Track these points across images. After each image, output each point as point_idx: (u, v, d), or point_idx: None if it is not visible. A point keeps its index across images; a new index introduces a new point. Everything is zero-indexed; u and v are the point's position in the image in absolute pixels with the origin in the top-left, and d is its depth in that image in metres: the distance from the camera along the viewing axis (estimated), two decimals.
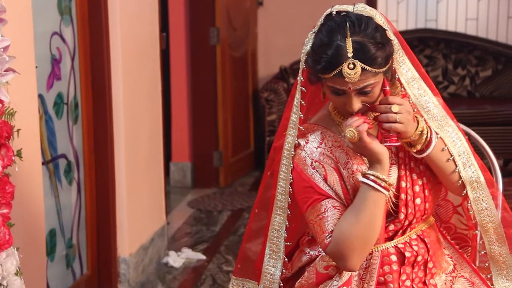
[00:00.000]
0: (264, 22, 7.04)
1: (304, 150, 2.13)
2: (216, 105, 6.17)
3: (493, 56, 6.94)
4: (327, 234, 2.06)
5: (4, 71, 2.11)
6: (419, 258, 2.16)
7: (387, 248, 2.15)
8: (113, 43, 3.78)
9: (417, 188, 2.13)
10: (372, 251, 2.13)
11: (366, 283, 2.12)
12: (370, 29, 1.99)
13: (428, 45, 7.02)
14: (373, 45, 1.97)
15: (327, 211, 2.07)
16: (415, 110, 2.11)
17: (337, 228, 2.05)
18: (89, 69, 3.72)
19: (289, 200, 2.20)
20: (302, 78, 2.12)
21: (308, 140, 2.15)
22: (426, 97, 2.13)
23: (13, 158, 2.12)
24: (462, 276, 2.23)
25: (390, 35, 2.03)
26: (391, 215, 2.14)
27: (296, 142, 2.15)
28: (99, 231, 3.85)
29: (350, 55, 1.95)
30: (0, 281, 2.12)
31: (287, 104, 2.23)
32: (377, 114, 2.06)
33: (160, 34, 4.47)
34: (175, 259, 4.49)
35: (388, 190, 2.04)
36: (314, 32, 2.05)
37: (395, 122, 2.01)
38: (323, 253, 2.17)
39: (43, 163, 3.19)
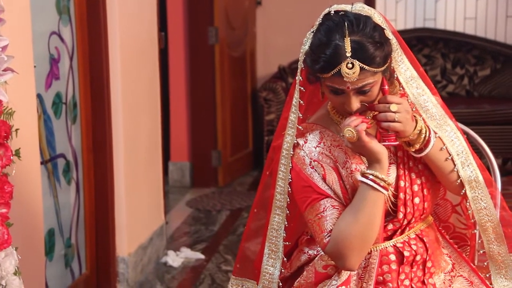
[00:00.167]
0: (262, 21, 7.04)
1: (303, 150, 2.13)
2: (214, 104, 6.17)
3: (491, 56, 6.95)
4: (326, 233, 2.06)
5: (3, 70, 2.11)
6: (418, 258, 2.16)
7: (386, 247, 2.15)
8: (111, 42, 3.78)
9: (415, 188, 2.13)
10: (371, 251, 2.13)
11: (365, 282, 2.12)
12: (369, 29, 1.99)
13: (427, 44, 7.02)
14: (371, 44, 1.97)
15: (326, 210, 2.07)
16: (414, 109, 2.11)
17: (336, 228, 2.05)
18: (88, 69, 3.72)
19: (288, 199, 2.20)
20: (300, 77, 2.12)
21: (306, 139, 2.15)
22: (424, 96, 2.13)
23: (11, 157, 2.12)
24: (461, 275, 2.24)
25: (389, 34, 2.03)
26: (390, 214, 2.15)
27: (295, 141, 2.15)
28: (98, 231, 3.84)
29: (348, 54, 1.95)
30: None
31: (285, 104, 2.23)
32: (375, 113, 2.06)
33: (158, 34, 4.47)
34: (174, 259, 4.49)
35: (387, 190, 2.04)
36: (313, 32, 2.05)
37: (394, 121, 2.01)
38: (322, 253, 2.17)
39: (41, 163, 3.19)
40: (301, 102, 2.15)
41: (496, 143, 6.11)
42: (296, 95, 2.15)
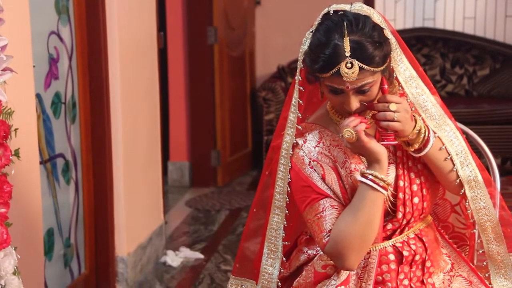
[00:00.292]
0: (261, 21, 7.04)
1: (302, 149, 2.13)
2: (214, 104, 6.18)
3: (490, 55, 6.95)
4: (325, 233, 2.06)
5: (2, 70, 2.11)
6: (417, 257, 2.16)
7: (385, 247, 2.15)
8: (110, 42, 3.78)
9: (415, 187, 2.13)
10: (370, 250, 2.13)
11: (364, 282, 2.12)
12: (368, 28, 1.99)
13: (426, 44, 7.02)
14: (370, 44, 1.97)
15: (325, 210, 2.07)
16: (413, 109, 2.11)
17: (335, 228, 2.05)
18: (87, 69, 3.72)
19: (287, 199, 2.20)
20: (300, 77, 2.12)
21: (306, 139, 2.15)
22: (424, 96, 2.13)
23: (11, 157, 2.12)
24: (460, 275, 2.24)
25: (388, 34, 2.03)
26: (389, 214, 2.15)
27: (294, 141, 2.15)
28: (97, 231, 3.84)
29: (347, 54, 1.95)
30: None
31: (285, 104, 2.23)
32: (374, 112, 2.06)
33: (157, 34, 4.47)
34: (173, 258, 4.49)
35: (386, 190, 2.04)
36: (312, 32, 2.05)
37: (393, 120, 2.01)
38: (321, 252, 2.17)
39: (40, 163, 3.19)
40: (300, 102, 2.15)
41: (495, 142, 6.12)
42: (296, 95, 2.15)
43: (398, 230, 2.16)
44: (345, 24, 1.98)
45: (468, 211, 2.18)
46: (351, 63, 1.96)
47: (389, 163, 2.11)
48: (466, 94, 6.92)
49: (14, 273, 2.16)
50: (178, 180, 6.33)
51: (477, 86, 6.89)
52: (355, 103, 2.03)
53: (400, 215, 2.13)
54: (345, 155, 2.12)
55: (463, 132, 2.24)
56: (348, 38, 1.97)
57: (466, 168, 2.14)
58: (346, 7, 2.04)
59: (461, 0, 7.24)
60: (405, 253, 2.14)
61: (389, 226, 2.15)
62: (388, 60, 2.04)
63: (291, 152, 2.16)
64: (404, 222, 2.14)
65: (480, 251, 2.25)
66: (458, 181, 2.14)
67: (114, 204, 3.88)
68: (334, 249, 2.05)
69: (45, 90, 3.32)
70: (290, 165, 2.15)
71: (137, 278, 4.14)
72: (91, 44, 3.71)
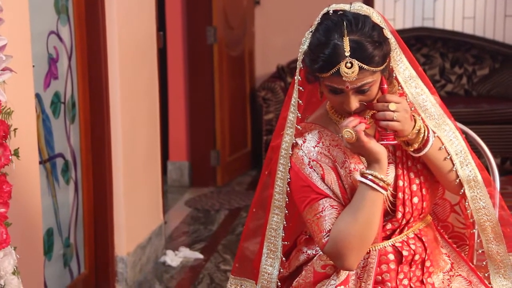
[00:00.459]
0: (261, 21, 7.04)
1: (302, 149, 2.13)
2: (213, 104, 6.17)
3: (490, 55, 6.95)
4: (325, 233, 2.06)
5: (1, 70, 2.11)
6: (417, 257, 2.16)
7: (385, 247, 2.15)
8: (110, 42, 3.78)
9: (414, 187, 2.13)
10: (369, 250, 2.13)
11: (364, 282, 2.12)
12: (367, 28, 1.99)
13: (425, 43, 7.02)
14: (370, 44, 1.97)
15: (324, 210, 2.07)
16: (413, 108, 2.11)
17: (334, 227, 2.05)
18: (86, 68, 3.72)
19: (287, 199, 2.20)
20: (299, 77, 2.12)
21: (305, 139, 2.15)
22: (423, 95, 2.13)
23: (10, 157, 2.12)
24: (460, 275, 2.24)
25: (387, 33, 2.03)
26: (389, 214, 2.15)
27: (294, 141, 2.15)
28: (97, 230, 3.84)
29: (347, 54, 1.95)
30: None
31: (284, 104, 2.23)
32: (374, 112, 2.06)
33: (157, 33, 4.46)
34: (173, 258, 4.49)
35: (386, 190, 2.04)
36: (311, 32, 2.05)
37: (392, 120, 2.01)
38: (321, 252, 2.17)
39: (40, 162, 3.19)
40: (300, 102, 2.15)
41: (494, 142, 6.11)
42: (295, 95, 2.15)
43: (398, 230, 2.16)
44: (344, 24, 1.98)
45: (468, 211, 2.18)
46: (351, 62, 1.96)
47: (389, 163, 2.11)
48: (466, 94, 6.92)
49: (13, 273, 2.16)
50: (178, 180, 6.33)
51: (476, 86, 6.89)
52: (354, 103, 2.03)
53: (399, 215, 2.13)
54: (345, 155, 2.12)
55: (463, 132, 2.24)
56: (347, 38, 1.97)
57: (466, 167, 2.14)
58: (346, 7, 2.04)
59: (460, 0, 7.24)
60: (405, 253, 2.14)
61: (389, 226, 2.15)
62: (387, 60, 2.04)
63: (290, 152, 2.16)
64: (404, 222, 2.14)
65: (480, 251, 2.25)
66: (457, 181, 2.14)
67: (114, 204, 3.88)
68: (333, 249, 2.04)
69: (44, 90, 3.32)
70: (289, 165, 2.15)
71: (136, 278, 4.14)
72: (90, 44, 3.71)
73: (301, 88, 2.14)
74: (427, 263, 2.18)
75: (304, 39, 2.07)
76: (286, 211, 2.22)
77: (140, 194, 4.23)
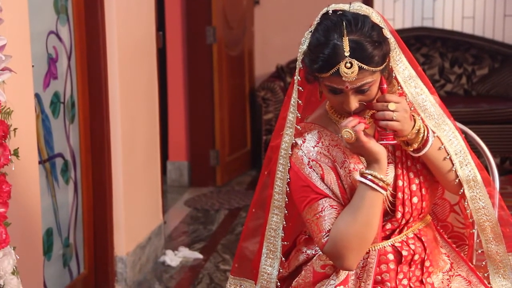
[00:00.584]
0: (260, 20, 7.04)
1: (301, 149, 2.13)
2: (212, 104, 6.17)
3: (489, 55, 6.95)
4: (324, 233, 2.06)
5: (1, 70, 2.11)
6: (416, 257, 2.16)
7: (384, 247, 2.15)
8: (109, 42, 3.78)
9: (414, 187, 2.13)
10: (369, 250, 2.13)
11: (363, 282, 2.12)
12: (367, 28, 1.99)
13: (425, 43, 7.02)
14: (370, 43, 1.97)
15: (324, 210, 2.07)
16: (412, 108, 2.11)
17: (334, 227, 2.05)
18: (86, 68, 3.72)
19: (286, 199, 2.20)
20: (299, 77, 2.12)
21: (305, 139, 2.15)
22: (423, 95, 2.13)
23: (10, 157, 2.12)
24: (459, 275, 2.24)
25: (387, 33, 2.03)
26: (388, 214, 2.15)
27: (293, 141, 2.15)
28: (96, 230, 3.84)
29: (347, 54, 1.95)
30: None
31: (283, 104, 2.23)
32: (374, 112, 2.06)
33: (156, 33, 4.47)
34: (172, 258, 4.49)
35: (386, 190, 2.04)
36: (311, 32, 2.05)
37: (392, 120, 2.01)
38: (320, 252, 2.17)
39: (39, 162, 3.19)
40: (300, 102, 2.15)
41: (494, 142, 6.12)
42: (295, 95, 2.14)
43: (397, 229, 2.16)
44: (344, 24, 1.98)
45: (467, 211, 2.18)
46: (351, 63, 1.96)
47: (388, 163, 2.11)
48: (465, 94, 6.92)
49: (13, 273, 2.16)
50: (177, 180, 6.33)
51: (476, 86, 6.89)
52: (354, 102, 2.02)
53: (399, 215, 2.13)
54: (344, 155, 2.12)
55: (462, 132, 2.24)
56: (347, 38, 1.97)
57: (465, 167, 2.14)
58: (345, 6, 2.04)
59: (459, 0, 7.24)
60: (404, 253, 2.14)
61: (388, 226, 2.15)
62: (387, 60, 2.04)
63: (290, 152, 2.15)
64: (403, 221, 2.14)
65: (479, 251, 2.25)
66: (457, 180, 2.14)
67: (113, 203, 3.88)
68: (333, 249, 2.04)
69: (44, 89, 3.32)
70: (289, 165, 2.15)
71: (136, 278, 4.14)
72: (90, 43, 3.71)
73: (300, 88, 2.14)
74: (427, 263, 2.18)
75: (304, 39, 2.07)
76: (286, 211, 2.22)
77: (140, 194, 4.23)
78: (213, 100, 6.17)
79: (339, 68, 1.96)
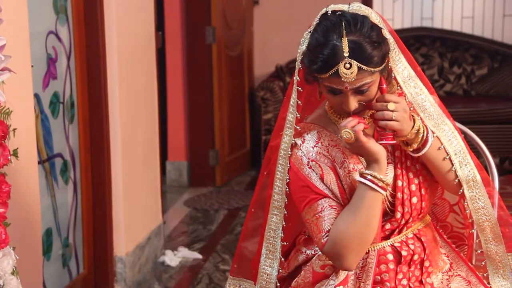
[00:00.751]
0: (260, 20, 7.04)
1: (301, 150, 2.13)
2: (212, 104, 6.18)
3: (488, 55, 6.95)
4: (324, 233, 2.06)
5: (0, 70, 2.10)
6: (416, 257, 2.16)
7: (384, 247, 2.15)
8: (109, 42, 3.78)
9: (413, 187, 2.13)
10: (368, 250, 2.13)
11: (363, 282, 2.12)
12: (366, 28, 1.99)
13: (424, 43, 7.02)
14: (369, 44, 1.97)
15: (323, 210, 2.07)
16: (411, 108, 2.11)
17: (334, 228, 2.05)
18: (85, 68, 3.72)
19: (286, 200, 2.20)
20: (298, 77, 2.12)
21: (304, 139, 2.15)
22: (422, 95, 2.13)
23: (9, 157, 2.12)
24: (459, 275, 2.24)
25: (386, 33, 2.03)
26: (388, 214, 2.15)
27: (293, 141, 2.15)
28: (96, 230, 3.84)
29: (346, 54, 1.95)
30: None
31: (283, 104, 2.23)
32: (373, 112, 2.06)
33: (156, 33, 4.47)
34: (172, 258, 4.49)
35: (385, 190, 2.04)
36: (310, 32, 2.05)
37: (391, 119, 2.01)
38: (320, 252, 2.17)
39: (39, 162, 3.19)
40: (299, 102, 2.15)
41: (493, 142, 6.12)
42: (294, 95, 2.14)
43: (397, 230, 2.16)
44: (343, 24, 1.97)
45: (467, 211, 2.18)
46: (350, 63, 1.96)
47: (388, 163, 2.11)
48: (465, 94, 6.92)
49: (12, 273, 2.16)
50: (177, 180, 6.33)
51: (475, 86, 6.89)
52: (353, 103, 2.02)
53: (398, 215, 2.13)
54: (344, 155, 2.12)
55: (462, 132, 2.24)
56: (346, 38, 1.96)
57: (465, 167, 2.14)
58: (344, 7, 2.04)
59: (459, 0, 7.25)
60: (404, 253, 2.14)
61: (388, 226, 2.15)
62: (386, 60, 2.04)
63: (289, 153, 2.15)
64: (403, 222, 2.15)
65: (479, 251, 2.25)
66: (456, 180, 2.14)
67: (113, 204, 3.88)
68: (332, 249, 2.04)
69: (43, 90, 3.32)
70: (288, 165, 2.15)
71: (135, 278, 4.14)
72: (89, 43, 3.71)
73: (300, 88, 2.14)
74: (426, 263, 2.18)
75: (303, 39, 2.07)
76: (285, 212, 2.22)
77: (139, 194, 4.23)
78: (213, 100, 6.17)
79: (338, 68, 1.96)
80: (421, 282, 2.17)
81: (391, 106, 2.01)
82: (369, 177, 2.02)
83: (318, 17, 2.05)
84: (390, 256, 2.14)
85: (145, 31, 4.30)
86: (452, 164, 2.12)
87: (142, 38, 4.26)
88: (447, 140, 2.13)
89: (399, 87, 2.13)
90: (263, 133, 6.47)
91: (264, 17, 7.04)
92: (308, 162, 2.11)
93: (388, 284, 2.13)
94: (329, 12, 2.03)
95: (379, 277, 2.14)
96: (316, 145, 2.13)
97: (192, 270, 4.39)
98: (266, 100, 6.43)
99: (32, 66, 2.85)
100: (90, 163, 3.79)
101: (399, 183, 2.12)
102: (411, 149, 2.10)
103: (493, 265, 2.22)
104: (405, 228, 2.17)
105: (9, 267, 2.14)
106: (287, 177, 2.16)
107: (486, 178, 2.19)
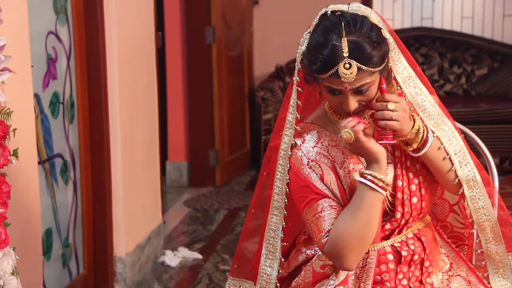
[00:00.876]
0: (260, 20, 7.04)
1: (301, 150, 2.13)
2: (212, 104, 6.18)
3: (488, 55, 6.95)
4: (324, 233, 2.06)
5: (0, 70, 2.11)
6: (416, 257, 2.16)
7: (384, 247, 2.15)
8: (108, 42, 3.78)
9: (413, 187, 2.13)
10: (368, 250, 2.13)
11: (363, 282, 2.12)
12: (366, 28, 1.98)
13: (424, 43, 7.03)
14: (368, 44, 1.97)
15: (324, 210, 2.07)
16: (411, 108, 2.11)
17: (334, 228, 2.05)
18: (85, 69, 3.72)
19: (286, 200, 2.20)
20: (298, 78, 2.12)
21: (304, 139, 2.15)
22: (422, 95, 2.13)
23: (9, 157, 2.12)
24: (459, 275, 2.24)
25: (386, 33, 2.03)
26: (388, 214, 2.15)
27: (293, 141, 2.15)
28: (96, 230, 3.84)
29: (346, 55, 1.95)
30: None
31: (282, 104, 2.23)
32: (373, 111, 2.06)
33: (156, 33, 4.47)
34: (172, 258, 4.49)
35: (385, 190, 2.04)
36: (309, 32, 2.05)
37: (391, 119, 2.01)
38: (320, 252, 2.17)
39: (39, 163, 3.19)
40: (299, 102, 2.15)
41: (493, 142, 6.12)
42: (294, 95, 2.14)
43: (397, 230, 2.16)
44: (342, 24, 1.97)
45: (467, 211, 2.18)
46: (349, 63, 1.95)
47: (388, 163, 2.11)
48: (464, 94, 6.92)
49: (12, 273, 2.16)
50: (177, 180, 6.33)
51: (475, 86, 6.89)
52: (353, 103, 2.02)
53: (398, 215, 2.13)
54: (344, 155, 2.12)
55: (462, 132, 2.24)
56: (346, 38, 1.96)
57: (465, 167, 2.14)
58: (344, 7, 2.04)
59: (459, 0, 7.25)
60: (404, 253, 2.14)
61: (388, 226, 2.15)
62: (386, 60, 2.04)
63: (289, 153, 2.15)
64: (403, 222, 2.15)
65: (479, 251, 2.25)
66: (456, 180, 2.14)
67: (113, 204, 3.88)
68: (333, 249, 2.04)
69: (43, 90, 3.32)
70: (288, 165, 2.15)
71: (135, 278, 4.14)
72: (89, 44, 3.71)
73: (299, 88, 2.13)
74: (426, 263, 2.18)
75: (302, 39, 2.07)
76: (285, 212, 2.22)
77: (139, 194, 4.24)
78: (213, 100, 6.17)
79: (338, 69, 1.96)
80: (421, 282, 2.17)
81: (391, 105, 2.01)
82: (369, 177, 2.02)
83: (318, 17, 2.05)
84: (390, 256, 2.14)
85: (145, 31, 4.30)
86: (452, 164, 2.12)
87: (142, 38, 4.26)
88: (447, 140, 2.13)
89: (399, 87, 2.13)
90: (263, 133, 6.47)
91: (264, 17, 7.04)
92: (308, 162, 2.11)
93: (388, 284, 2.13)
94: (329, 12, 2.03)
95: (379, 277, 2.14)
96: (316, 145, 2.13)
97: (192, 270, 4.39)
98: (266, 100, 6.44)
99: (32, 66, 2.86)
100: (90, 163, 3.79)
101: (399, 183, 2.12)
102: (411, 149, 2.10)
103: (493, 265, 2.22)
104: (405, 228, 2.17)
105: (9, 267, 2.14)
106: (287, 178, 2.16)
107: (486, 178, 2.19)
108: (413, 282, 2.15)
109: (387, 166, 2.10)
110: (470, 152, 2.17)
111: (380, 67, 2.01)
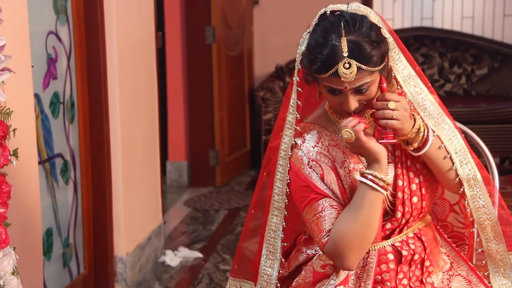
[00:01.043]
0: (260, 21, 7.04)
1: (301, 149, 2.13)
2: (212, 104, 6.18)
3: (489, 54, 6.95)
4: (325, 233, 2.06)
5: (0, 70, 2.11)
6: (416, 257, 2.16)
7: (384, 246, 2.15)
8: (109, 42, 3.78)
9: (414, 187, 2.13)
10: (369, 250, 2.13)
11: (363, 281, 2.12)
12: (365, 28, 1.99)
13: (424, 43, 7.02)
14: (368, 43, 1.97)
15: (324, 210, 2.07)
16: (412, 107, 2.11)
17: (334, 227, 2.05)
18: (85, 68, 3.72)
19: (286, 200, 2.20)
20: (297, 78, 2.12)
21: (304, 139, 2.15)
22: (422, 94, 2.13)
23: (9, 157, 2.12)
24: (459, 274, 2.24)
25: (385, 33, 2.03)
26: (388, 213, 2.15)
27: (293, 141, 2.15)
28: (96, 230, 3.84)
29: (345, 54, 1.95)
30: None
31: (282, 104, 2.23)
32: (373, 111, 2.06)
33: (156, 33, 4.47)
34: (172, 258, 4.49)
35: (386, 190, 2.04)
36: (309, 32, 2.05)
37: (392, 118, 2.01)
38: (320, 252, 2.17)
39: (39, 163, 3.19)
40: (299, 102, 2.14)
41: (493, 142, 6.12)
42: (294, 95, 2.14)
43: (397, 229, 2.16)
44: (342, 24, 1.97)
45: (467, 210, 2.18)
46: (349, 63, 1.95)
47: (388, 163, 2.11)
48: (465, 94, 6.92)
49: (13, 273, 2.16)
50: (177, 180, 6.33)
51: (475, 86, 6.89)
52: (353, 103, 2.02)
53: (399, 215, 2.13)
54: (344, 155, 2.12)
55: (462, 132, 2.24)
56: (345, 38, 1.96)
57: (465, 166, 2.14)
58: (343, 7, 2.04)
59: (459, 0, 7.25)
60: (404, 253, 2.14)
61: (388, 225, 2.15)
62: (386, 60, 2.04)
63: (289, 153, 2.15)
64: (403, 221, 2.14)
65: (479, 250, 2.25)
66: (457, 179, 2.14)
67: (113, 204, 3.88)
68: (333, 249, 2.04)
69: (43, 90, 3.32)
70: (289, 166, 2.15)
71: (136, 278, 4.14)
72: (89, 44, 3.71)
73: (299, 89, 2.13)
74: (427, 263, 2.18)
75: (302, 39, 2.07)
76: (286, 212, 2.22)
77: (139, 194, 4.24)
78: (213, 100, 6.17)
79: (337, 68, 1.96)
80: (421, 281, 2.17)
81: (391, 105, 2.01)
82: (369, 176, 2.02)
83: (317, 17, 2.05)
84: (391, 256, 2.14)
85: (145, 31, 4.30)
86: (453, 163, 2.12)
87: (142, 38, 4.26)
88: (448, 139, 2.13)
89: (399, 86, 2.13)
90: (263, 133, 6.47)
91: (264, 17, 7.04)
92: (309, 162, 2.11)
93: (388, 283, 2.13)
94: (328, 12, 2.03)
95: (379, 277, 2.14)
96: (317, 145, 2.13)
97: (192, 270, 4.39)
98: (266, 100, 6.44)
99: (32, 66, 2.86)
100: (90, 163, 3.79)
101: (400, 182, 2.12)
102: (412, 148, 2.10)
103: (493, 264, 2.22)
104: (406, 227, 2.17)
105: (10, 267, 2.14)
106: (287, 178, 2.16)
107: (486, 177, 2.19)
108: (413, 281, 2.15)
109: (388, 165, 2.10)
110: (470, 151, 2.17)
111: (380, 67, 2.01)
